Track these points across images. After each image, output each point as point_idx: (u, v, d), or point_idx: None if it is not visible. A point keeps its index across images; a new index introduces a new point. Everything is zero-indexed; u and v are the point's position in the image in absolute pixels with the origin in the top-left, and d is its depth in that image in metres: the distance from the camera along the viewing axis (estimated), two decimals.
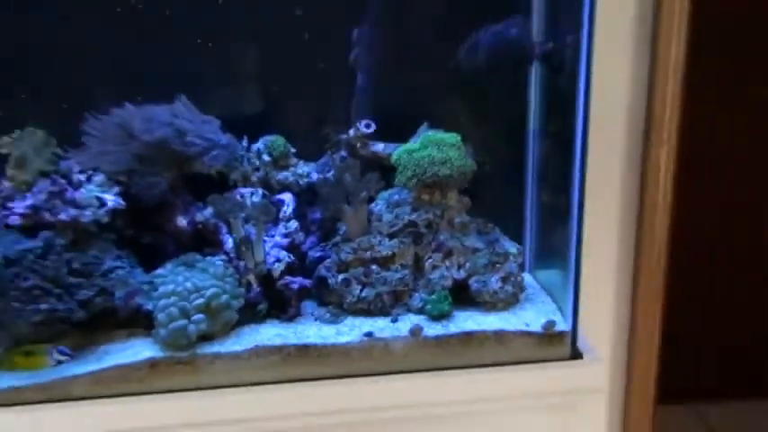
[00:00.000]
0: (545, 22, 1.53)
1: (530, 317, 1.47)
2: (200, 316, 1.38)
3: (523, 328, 1.43)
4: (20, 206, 1.41)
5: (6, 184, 1.47)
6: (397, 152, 1.50)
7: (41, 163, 1.46)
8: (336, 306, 1.49)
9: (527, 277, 1.64)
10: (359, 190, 1.45)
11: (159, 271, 1.44)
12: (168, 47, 1.52)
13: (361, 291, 1.46)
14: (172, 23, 1.50)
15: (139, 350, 1.40)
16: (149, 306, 1.41)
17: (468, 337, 1.42)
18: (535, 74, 1.60)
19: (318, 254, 1.51)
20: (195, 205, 1.50)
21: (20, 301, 1.36)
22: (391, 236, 1.48)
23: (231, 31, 1.52)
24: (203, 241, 1.49)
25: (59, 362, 1.36)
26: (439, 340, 1.42)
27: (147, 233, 1.50)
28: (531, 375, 1.41)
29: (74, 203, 1.39)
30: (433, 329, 1.43)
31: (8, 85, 1.50)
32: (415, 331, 1.41)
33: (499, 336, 1.43)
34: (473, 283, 1.47)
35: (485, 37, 1.45)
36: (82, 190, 1.40)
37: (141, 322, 1.44)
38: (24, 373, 1.36)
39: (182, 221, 1.47)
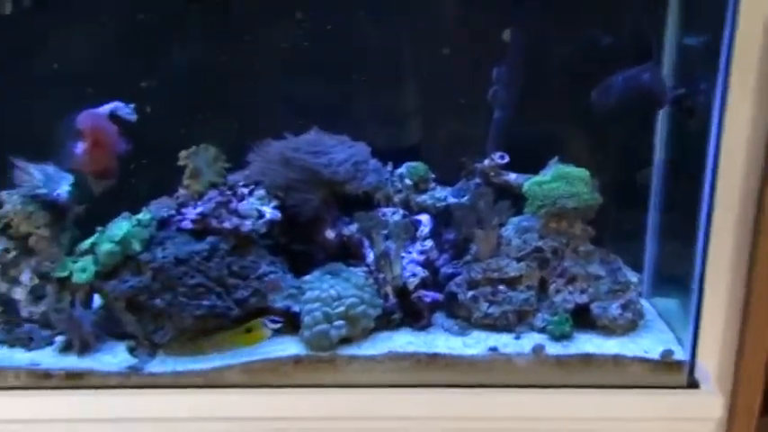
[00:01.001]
0: (676, 69, 1.63)
1: (647, 344, 1.54)
2: (341, 322, 1.52)
3: (642, 354, 1.51)
4: (191, 213, 1.60)
5: (182, 192, 1.67)
6: (528, 183, 1.61)
7: (212, 175, 1.66)
8: (464, 320, 1.61)
9: (644, 304, 1.71)
10: (491, 216, 1.58)
11: (307, 277, 1.60)
12: (328, 80, 1.70)
13: (488, 307, 1.58)
14: (333, 59, 1.68)
15: (286, 347, 1.56)
16: (296, 308, 1.57)
17: (587, 358, 1.51)
18: (664, 116, 1.69)
19: (450, 271, 1.64)
20: (342, 220, 1.66)
21: (186, 297, 1.55)
22: (519, 259, 1.60)
23: (384, 67, 1.69)
24: (348, 253, 1.65)
25: (276, 330, 1.51)
26: (559, 359, 1.52)
27: (298, 243, 1.67)
28: (647, 400, 1.49)
29: (237, 213, 1.58)
30: (553, 349, 1.53)
31: (190, 105, 1.71)
32: (538, 349, 1.51)
33: (618, 360, 1.51)
34: (594, 308, 1.57)
35: (618, 81, 1.55)
36: (245, 202, 1.58)
37: (289, 322, 1.59)
38: (243, 348, 1.53)
39: (329, 234, 1.64)
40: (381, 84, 1.74)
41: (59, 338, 1.60)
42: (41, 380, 1.54)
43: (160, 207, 1.67)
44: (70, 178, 1.59)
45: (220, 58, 1.72)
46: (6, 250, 1.60)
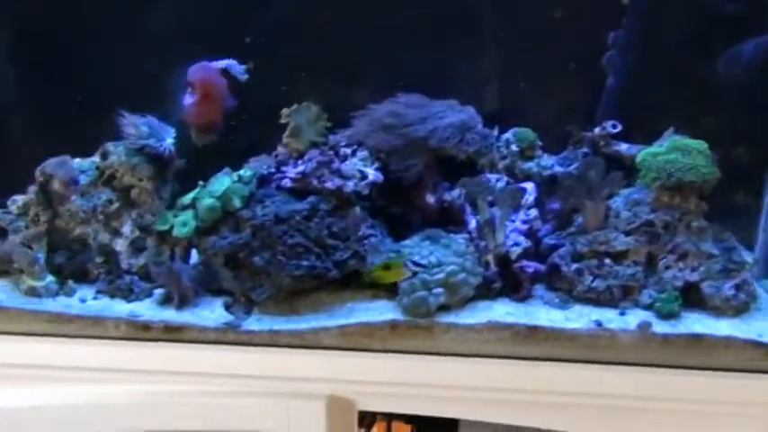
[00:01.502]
0: None
1: (762, 327, 1.47)
2: (440, 290, 1.49)
3: (755, 337, 1.44)
4: (292, 171, 1.58)
5: (281, 150, 1.65)
6: (642, 154, 1.55)
7: (313, 134, 1.64)
8: (565, 293, 1.56)
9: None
10: (602, 186, 1.52)
11: (407, 242, 1.57)
12: (435, 43, 1.65)
13: (592, 281, 1.53)
14: (441, 21, 1.63)
15: (382, 311, 1.54)
16: None
17: (696, 339, 1.45)
18: None
19: (553, 242, 1.59)
20: (442, 185, 1.62)
21: (285, 256, 1.53)
22: (627, 233, 1.54)
23: (495, 31, 1.63)
24: (447, 219, 1.61)
25: (414, 273, 1.48)
26: (666, 338, 1.46)
27: (395, 206, 1.64)
28: (759, 385, 1.43)
29: (339, 174, 1.55)
30: (660, 327, 1.47)
31: (295, 63, 1.68)
32: (644, 327, 1.45)
33: (729, 342, 1.45)
34: (706, 288, 1.50)
35: (749, 48, 1.46)
36: (347, 162, 1.55)
37: (387, 286, 1.57)
38: (384, 283, 1.51)
39: (430, 199, 1.60)
40: (489, 47, 1.68)
41: (158, 291, 1.59)
42: (140, 331, 1.55)
43: (259, 164, 1.66)
44: (173, 131, 1.58)
45: (326, 16, 1.68)
46: (110, 201, 1.61)
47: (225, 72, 1.51)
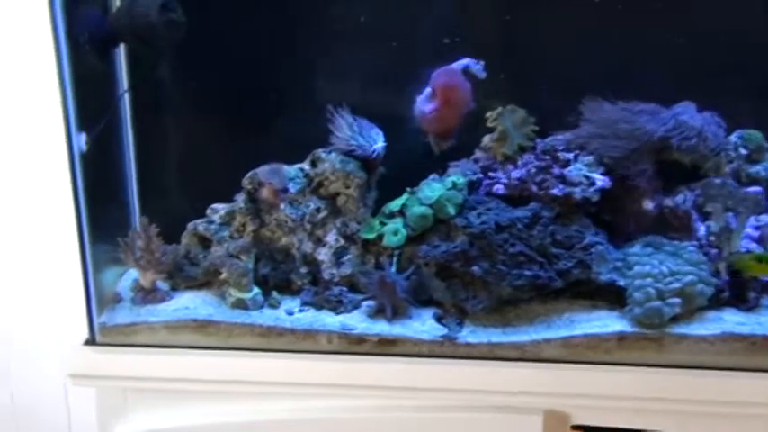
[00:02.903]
0: None
1: None
2: (676, 300, 1.43)
3: None
4: (506, 177, 1.52)
5: (480, 154, 1.59)
6: None
7: (521, 138, 1.57)
8: None
9: None
10: None
11: (633, 250, 1.51)
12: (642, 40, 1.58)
13: None
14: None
15: (607, 323, 1.48)
16: (621, 282, 1.48)
17: None
18: None
19: None
20: (660, 191, 1.56)
21: (505, 265, 1.48)
22: None
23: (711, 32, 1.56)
24: (667, 226, 1.54)
25: None
26: None
27: (606, 212, 1.57)
28: None
29: (563, 180, 1.49)
30: None
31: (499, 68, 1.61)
32: None
33: None
34: None
35: None
36: (570, 168, 1.49)
37: (606, 296, 1.51)
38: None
39: (648, 205, 1.54)
40: (708, 47, 1.60)
41: (367, 303, 1.54)
42: (353, 345, 1.50)
43: (461, 170, 1.60)
44: (381, 134, 1.52)
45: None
46: (317, 210, 1.55)
47: (466, 72, 1.44)
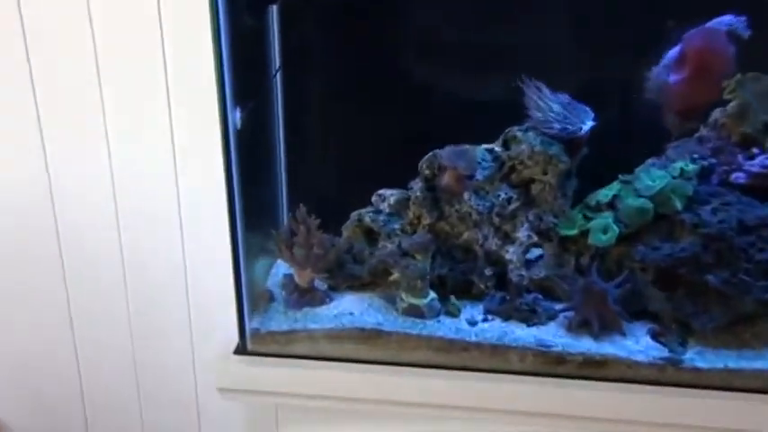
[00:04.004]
0: None
1: None
2: None
3: None
4: (753, 164, 1.21)
5: (707, 132, 1.28)
6: None
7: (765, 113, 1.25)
8: None
9: None
10: None
11: None
12: None
13: None
14: None
15: None
16: None
17: None
18: None
19: None
20: None
21: (750, 275, 1.17)
22: None
23: None
24: None
25: None
26: None
27: None
28: None
29: None
30: None
31: None
32: None
33: None
34: None
35: None
36: None
37: None
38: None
39: None
40: None
41: (565, 314, 1.26)
42: (551, 365, 1.23)
43: (680, 152, 1.29)
44: (589, 111, 1.23)
45: None
46: (508, 200, 1.28)
47: (730, 33, 1.12)
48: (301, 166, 1.48)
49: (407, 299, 1.28)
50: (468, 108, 1.35)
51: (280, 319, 1.31)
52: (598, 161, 1.29)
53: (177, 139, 1.32)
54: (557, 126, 1.20)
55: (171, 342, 1.48)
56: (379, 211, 1.33)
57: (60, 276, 1.45)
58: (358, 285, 1.37)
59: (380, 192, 1.34)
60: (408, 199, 1.32)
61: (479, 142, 1.32)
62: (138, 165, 1.35)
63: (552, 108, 1.20)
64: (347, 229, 1.36)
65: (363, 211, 1.34)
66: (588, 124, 1.22)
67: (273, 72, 1.37)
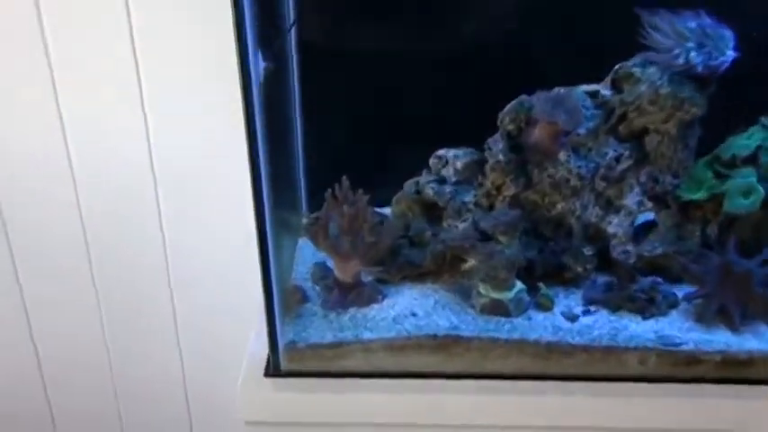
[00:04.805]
0: None
1: None
2: None
3: None
4: None
5: None
6: None
7: None
8: None
9: None
10: None
11: None
12: None
13: None
14: None
15: None
16: None
17: None
18: None
19: None
20: None
21: None
22: None
23: None
24: None
25: None
26: None
27: None
28: None
29: None
30: None
31: None
32: None
33: None
34: None
35: None
36: None
37: None
38: None
39: None
40: None
41: (695, 301, 0.98)
42: (680, 366, 0.97)
43: None
44: (730, 37, 0.92)
45: None
46: (617, 159, 0.97)
47: None
48: (322, 127, 1.16)
49: (488, 293, 0.98)
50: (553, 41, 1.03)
51: (321, 327, 1.00)
52: (727, 100, 0.98)
53: None
54: (696, 58, 0.88)
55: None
56: (442, 180, 1.01)
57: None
58: (414, 276, 1.05)
59: (440, 152, 1.02)
60: (479, 162, 1.00)
61: (566, 84, 0.99)
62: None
63: (686, 33, 0.88)
64: (399, 204, 1.03)
65: (422, 179, 1.02)
66: (729, 54, 0.91)
67: (288, 26, 1.03)
